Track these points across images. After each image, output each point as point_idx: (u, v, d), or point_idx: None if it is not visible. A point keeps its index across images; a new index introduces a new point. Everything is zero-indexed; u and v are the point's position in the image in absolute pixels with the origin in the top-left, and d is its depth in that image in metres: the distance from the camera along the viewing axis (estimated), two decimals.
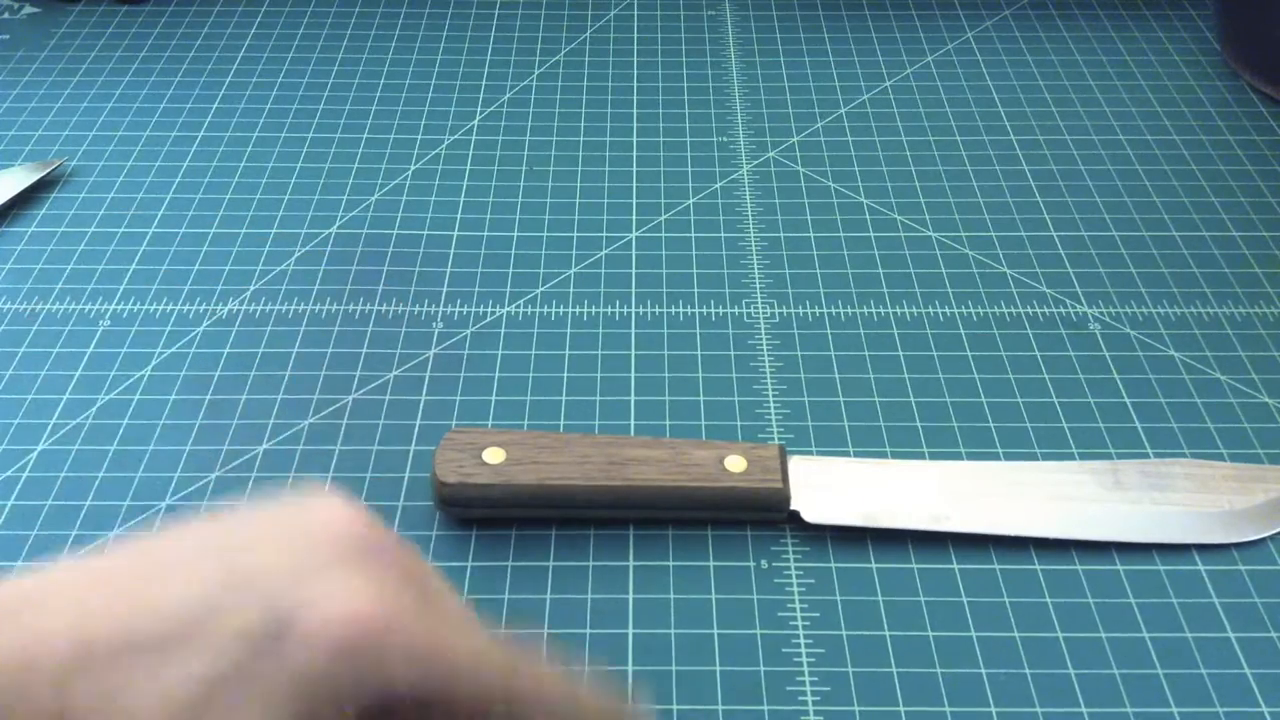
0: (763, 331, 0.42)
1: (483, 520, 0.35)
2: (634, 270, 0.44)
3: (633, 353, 0.41)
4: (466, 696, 0.23)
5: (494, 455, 0.34)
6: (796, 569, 0.34)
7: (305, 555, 0.23)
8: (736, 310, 0.43)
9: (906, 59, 0.57)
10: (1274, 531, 0.35)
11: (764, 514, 0.35)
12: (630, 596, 0.33)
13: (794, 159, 0.50)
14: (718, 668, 0.32)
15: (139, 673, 0.23)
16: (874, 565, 0.34)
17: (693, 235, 0.46)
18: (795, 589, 0.34)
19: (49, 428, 0.38)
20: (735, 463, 0.34)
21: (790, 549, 0.35)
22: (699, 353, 0.41)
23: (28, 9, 0.61)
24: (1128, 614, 0.33)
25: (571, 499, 0.34)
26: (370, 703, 0.23)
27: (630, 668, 0.32)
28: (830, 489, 0.35)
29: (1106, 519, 0.35)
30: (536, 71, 0.56)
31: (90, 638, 0.23)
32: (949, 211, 0.47)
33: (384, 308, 0.43)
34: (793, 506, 0.35)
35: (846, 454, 0.37)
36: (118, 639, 0.23)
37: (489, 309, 0.43)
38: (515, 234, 0.46)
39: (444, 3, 0.62)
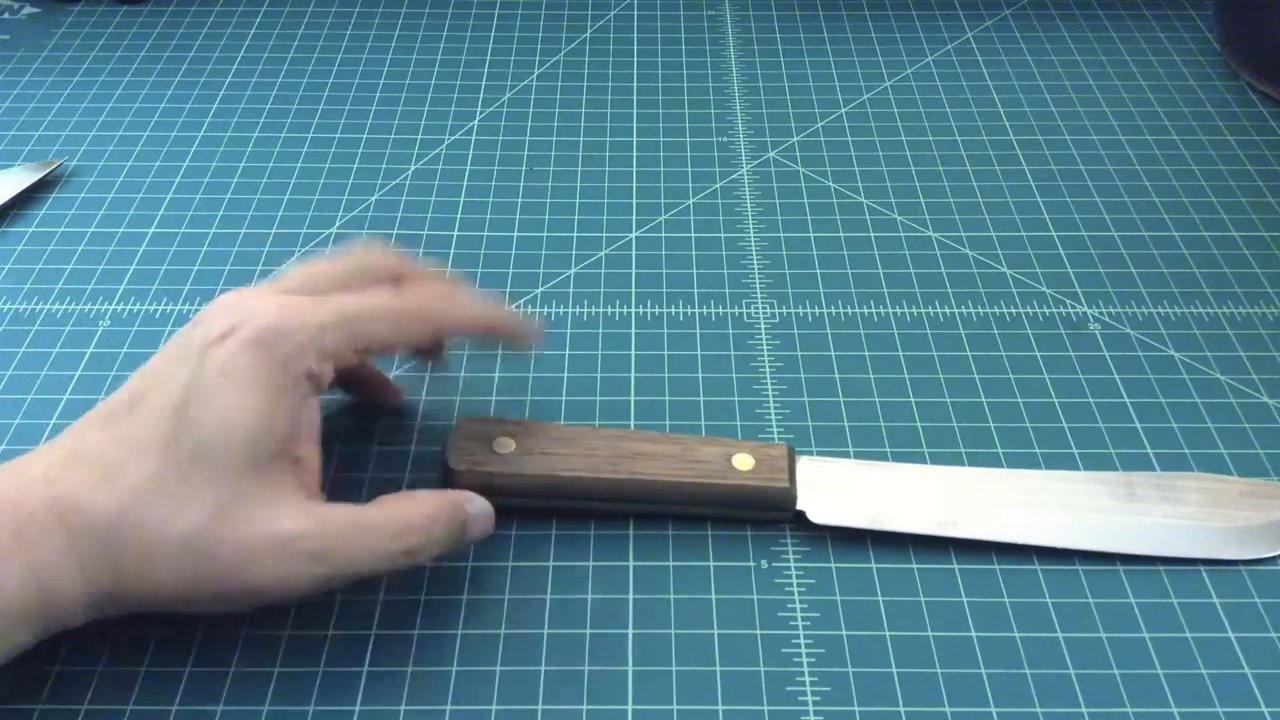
0: (763, 331, 0.42)
1: None
2: (634, 270, 0.44)
3: (633, 353, 0.41)
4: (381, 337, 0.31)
5: (504, 445, 0.34)
6: (796, 569, 0.34)
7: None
8: (736, 310, 0.43)
9: (906, 59, 0.57)
10: None
11: (769, 513, 0.35)
12: (630, 596, 0.33)
13: (794, 159, 0.50)
14: (718, 668, 0.32)
15: (112, 430, 0.28)
16: (874, 565, 0.34)
17: (693, 235, 0.46)
18: (795, 589, 0.34)
19: (49, 428, 0.38)
20: (743, 461, 0.34)
21: (790, 549, 0.35)
22: (699, 353, 0.41)
23: (28, 9, 0.61)
24: (1128, 614, 0.33)
25: (578, 491, 0.34)
26: (314, 356, 0.30)
27: (630, 668, 0.32)
28: (836, 490, 0.35)
29: (1116, 531, 0.34)
30: (536, 71, 0.56)
31: (67, 439, 0.29)
32: (949, 211, 0.47)
33: None
34: (799, 507, 0.35)
35: (846, 454, 0.37)
36: (89, 422, 0.29)
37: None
38: (515, 234, 0.46)
39: (444, 3, 0.62)
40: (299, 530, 0.28)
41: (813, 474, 0.35)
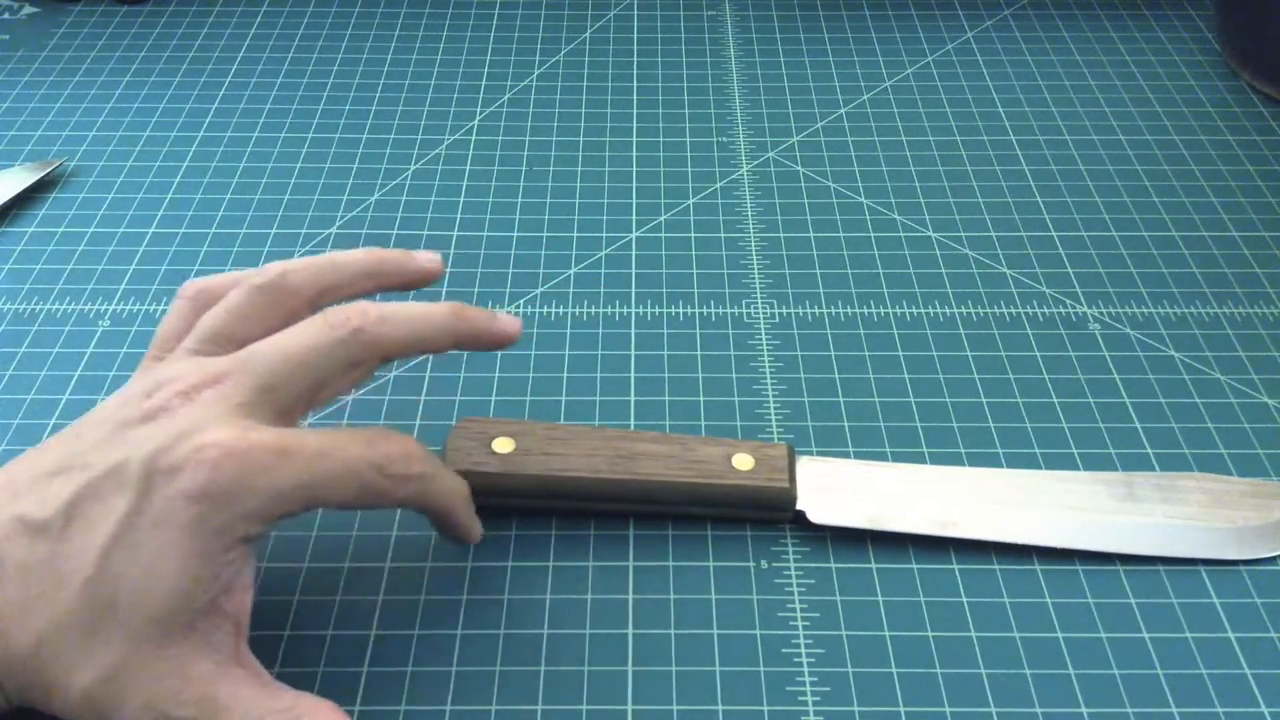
0: (763, 331, 0.42)
1: (487, 511, 0.35)
2: (634, 270, 0.44)
3: (633, 353, 0.41)
4: (338, 482, 0.28)
5: (503, 445, 0.34)
6: (796, 569, 0.34)
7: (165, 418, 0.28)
8: (736, 310, 0.43)
9: (906, 59, 0.57)
10: None
11: (770, 513, 0.35)
12: (630, 596, 0.33)
13: (794, 159, 0.50)
14: (718, 668, 0.32)
15: (40, 549, 0.26)
16: (874, 565, 0.34)
17: (693, 235, 0.46)
18: (795, 589, 0.34)
19: (49, 428, 0.38)
20: (743, 461, 0.34)
21: (790, 549, 0.35)
22: (699, 353, 0.41)
23: (28, 9, 0.61)
24: (1128, 614, 0.33)
25: (578, 491, 0.34)
26: (258, 523, 0.27)
27: (630, 668, 0.32)
28: (837, 490, 0.35)
29: (1116, 531, 0.34)
30: (536, 71, 0.56)
31: None
32: (949, 211, 0.47)
33: None
34: (799, 506, 0.35)
35: (847, 454, 0.37)
36: (16, 525, 0.27)
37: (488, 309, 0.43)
38: (515, 234, 0.46)
39: (444, 3, 0.62)
40: (189, 711, 0.26)
41: (813, 474, 0.35)
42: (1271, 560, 0.34)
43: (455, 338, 0.32)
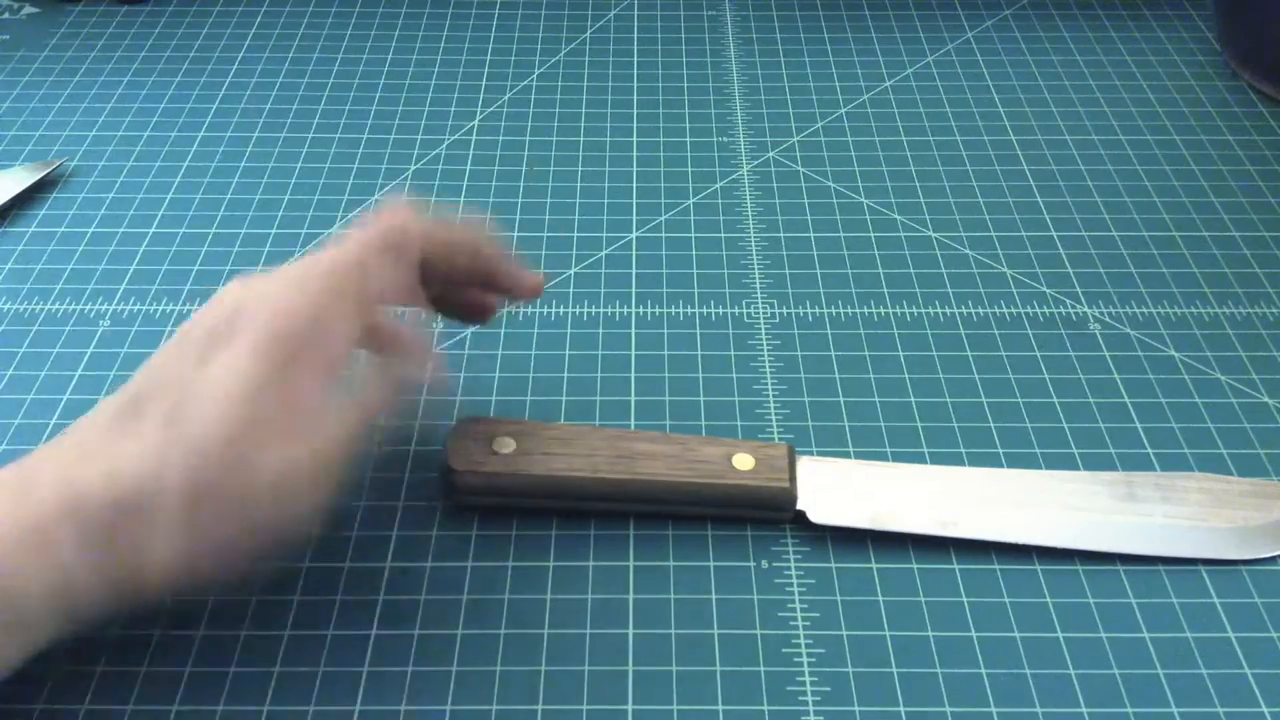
0: (763, 331, 0.42)
1: (487, 511, 0.35)
2: (634, 270, 0.44)
3: (633, 353, 0.41)
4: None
5: (504, 445, 0.34)
6: (796, 569, 0.34)
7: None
8: (736, 310, 0.43)
9: (906, 59, 0.57)
10: None
11: (770, 513, 0.35)
12: (630, 596, 0.33)
13: (794, 159, 0.50)
14: (718, 668, 0.32)
15: (124, 430, 0.28)
16: (874, 565, 0.34)
17: (693, 235, 0.46)
18: (795, 589, 0.34)
19: (49, 428, 0.38)
20: (743, 461, 0.34)
21: (790, 549, 0.35)
22: (699, 353, 0.41)
23: (28, 9, 0.61)
24: (1128, 614, 0.33)
25: (579, 491, 0.34)
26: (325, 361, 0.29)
27: (630, 668, 0.32)
28: (837, 490, 0.35)
29: (1116, 531, 0.34)
30: (536, 71, 0.56)
31: (75, 436, 0.28)
32: (949, 211, 0.47)
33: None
34: (799, 507, 0.35)
35: (847, 454, 0.37)
36: (95, 424, 0.28)
37: None
38: (515, 234, 0.46)
39: (444, 3, 0.62)
40: (290, 469, 0.28)
41: (813, 474, 0.35)
42: (1271, 560, 0.34)
43: (484, 257, 0.34)
